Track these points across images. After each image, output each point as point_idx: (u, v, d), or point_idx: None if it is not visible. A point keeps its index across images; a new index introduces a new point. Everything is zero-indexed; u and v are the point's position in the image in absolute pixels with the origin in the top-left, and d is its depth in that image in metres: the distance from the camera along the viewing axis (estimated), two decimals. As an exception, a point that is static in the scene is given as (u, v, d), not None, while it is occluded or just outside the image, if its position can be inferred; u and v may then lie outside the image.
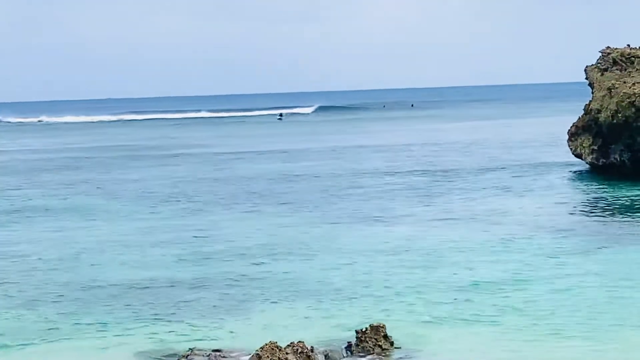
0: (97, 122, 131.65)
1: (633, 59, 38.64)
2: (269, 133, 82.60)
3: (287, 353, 13.88)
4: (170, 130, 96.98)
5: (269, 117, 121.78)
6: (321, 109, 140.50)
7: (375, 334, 14.90)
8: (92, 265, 22.33)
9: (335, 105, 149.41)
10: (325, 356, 14.53)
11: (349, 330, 15.58)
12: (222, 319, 17.08)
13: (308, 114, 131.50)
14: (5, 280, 20.88)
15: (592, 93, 38.73)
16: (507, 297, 17.87)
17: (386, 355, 14.66)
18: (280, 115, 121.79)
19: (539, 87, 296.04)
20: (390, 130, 79.18)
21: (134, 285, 19.93)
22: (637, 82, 36.46)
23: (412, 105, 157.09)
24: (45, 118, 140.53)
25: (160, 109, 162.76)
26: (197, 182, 39.85)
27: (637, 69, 38.05)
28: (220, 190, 36.53)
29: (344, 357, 14.75)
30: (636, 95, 35.77)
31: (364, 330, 14.99)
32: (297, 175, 41.14)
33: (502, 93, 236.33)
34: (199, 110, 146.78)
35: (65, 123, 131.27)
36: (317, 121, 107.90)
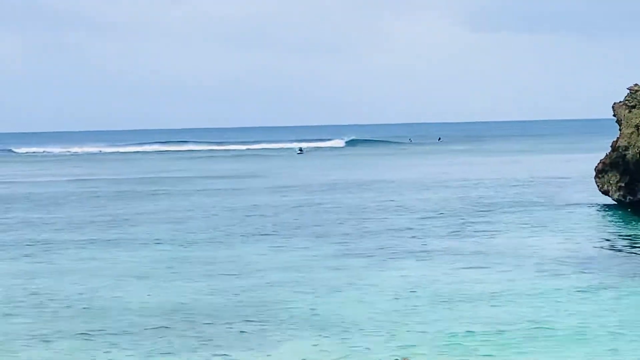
0: (128, 152, 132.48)
1: (661, 96, 38.53)
2: (294, 165, 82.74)
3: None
4: (195, 162, 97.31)
5: (292, 150, 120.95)
6: (352, 142, 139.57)
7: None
8: (117, 297, 22.37)
9: (367, 139, 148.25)
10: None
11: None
12: (248, 352, 17.08)
13: (340, 147, 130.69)
14: (28, 313, 20.96)
15: (620, 130, 38.64)
16: (533, 336, 17.80)
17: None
18: (300, 149, 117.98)
19: (566, 123, 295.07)
20: (417, 165, 79.11)
21: (160, 317, 19.96)
22: (665, 120, 36.35)
23: (440, 139, 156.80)
24: (82, 149, 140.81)
25: (185, 139, 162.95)
26: (223, 213, 39.93)
27: (665, 107, 37.93)
28: (246, 222, 36.58)
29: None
30: (664, 133, 35.67)
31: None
32: (324, 208, 41.15)
33: (530, 128, 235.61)
34: (229, 142, 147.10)
35: (103, 153, 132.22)
36: (346, 154, 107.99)
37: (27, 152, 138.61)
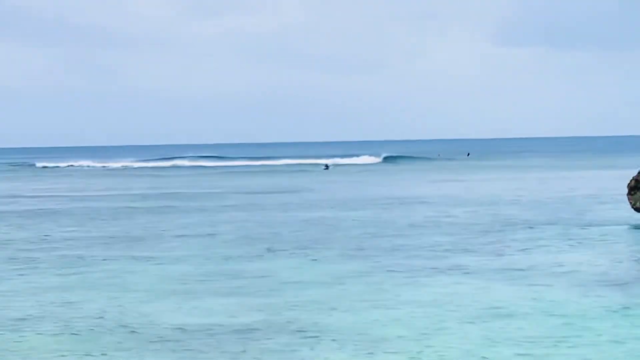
0: (156, 167, 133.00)
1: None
2: (322, 180, 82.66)
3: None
4: (224, 178, 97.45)
5: (318, 166, 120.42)
6: (388, 158, 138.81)
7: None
8: (146, 313, 22.28)
9: (398, 155, 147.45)
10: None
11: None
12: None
13: (367, 163, 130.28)
14: (57, 328, 20.93)
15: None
16: (564, 354, 17.57)
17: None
18: (326, 165, 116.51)
19: (597, 140, 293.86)
20: (447, 180, 78.86)
21: (190, 334, 19.88)
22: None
23: (468, 155, 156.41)
24: (112, 163, 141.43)
25: (213, 155, 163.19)
26: (253, 229, 39.87)
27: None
28: (276, 237, 36.50)
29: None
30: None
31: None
32: (355, 224, 41.02)
33: (560, 145, 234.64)
34: (259, 158, 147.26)
35: (132, 168, 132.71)
36: (373, 170, 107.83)
37: (58, 166, 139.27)
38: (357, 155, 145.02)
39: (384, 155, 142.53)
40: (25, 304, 23.41)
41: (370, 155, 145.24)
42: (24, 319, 21.53)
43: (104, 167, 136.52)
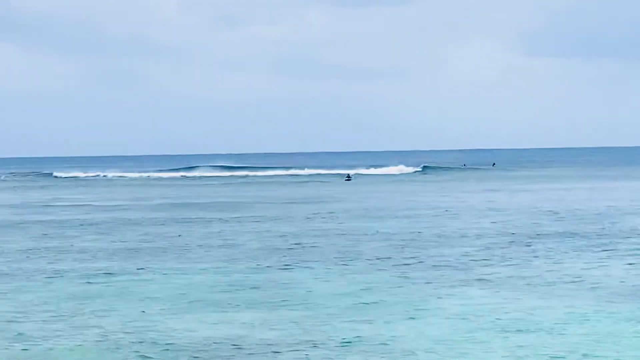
0: (174, 177, 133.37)
1: None
2: (346, 190, 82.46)
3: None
4: (247, 187, 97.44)
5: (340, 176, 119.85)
6: (423, 168, 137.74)
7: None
8: (169, 325, 22.09)
9: (430, 166, 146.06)
10: None
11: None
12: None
13: (391, 174, 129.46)
14: (85, 338, 20.77)
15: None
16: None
17: None
18: (348, 176, 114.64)
19: (624, 150, 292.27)
20: (473, 190, 78.50)
21: (216, 345, 19.67)
22: None
23: (494, 165, 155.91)
24: (133, 173, 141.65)
25: (238, 165, 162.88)
26: (278, 239, 39.66)
27: None
28: (301, 248, 36.29)
29: None
30: None
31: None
32: (381, 234, 40.77)
33: (587, 155, 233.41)
34: (299, 167, 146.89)
35: (153, 178, 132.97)
36: (397, 180, 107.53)
37: (86, 176, 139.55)
38: (381, 166, 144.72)
39: (413, 166, 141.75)
40: (50, 314, 23.27)
41: (397, 164, 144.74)
42: (48, 330, 21.40)
43: (126, 177, 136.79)
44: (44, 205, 68.47)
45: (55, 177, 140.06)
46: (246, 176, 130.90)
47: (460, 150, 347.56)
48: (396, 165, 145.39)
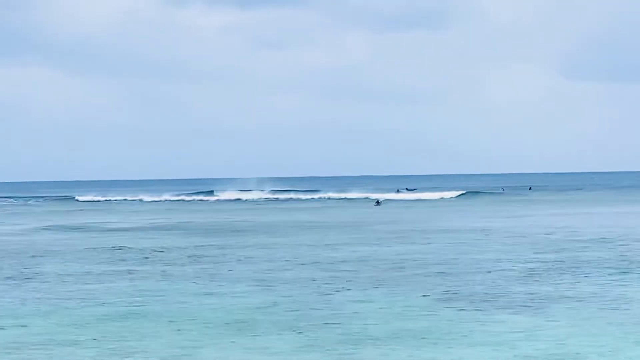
0: (205, 200, 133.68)
1: None
2: (381, 214, 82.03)
3: None
4: (295, 211, 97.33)
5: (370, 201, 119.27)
6: (469, 193, 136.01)
7: None
8: (207, 351, 21.73)
9: (471, 191, 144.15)
10: None
11: None
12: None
13: (438, 199, 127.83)
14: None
15: None
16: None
17: None
18: (378, 201, 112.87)
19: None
20: (514, 215, 77.88)
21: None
22: None
23: (530, 189, 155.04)
24: (167, 197, 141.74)
25: (293, 189, 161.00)
26: (318, 263, 39.28)
27: None
28: (339, 270, 35.87)
29: None
30: None
31: None
32: (422, 258, 40.30)
33: (630, 180, 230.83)
34: (334, 190, 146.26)
35: (180, 201, 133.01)
36: (434, 206, 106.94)
37: (125, 199, 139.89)
38: (414, 190, 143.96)
39: (454, 190, 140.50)
40: (85, 337, 23.02)
41: (434, 190, 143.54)
42: (84, 352, 21.14)
43: (158, 200, 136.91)
44: (94, 230, 68.69)
45: (105, 201, 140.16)
46: (290, 199, 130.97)
47: (497, 175, 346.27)
48: (434, 190, 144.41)
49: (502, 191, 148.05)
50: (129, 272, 37.47)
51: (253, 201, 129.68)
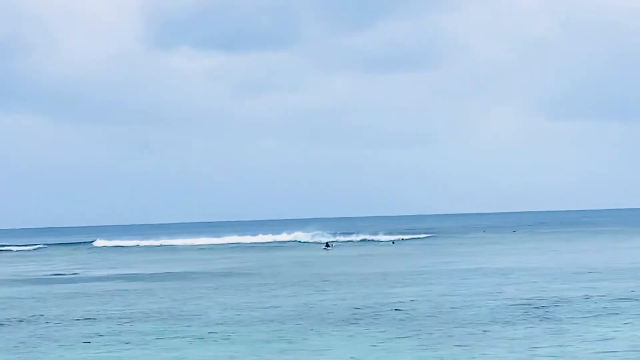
0: (200, 245, 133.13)
1: None
2: (395, 254, 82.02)
3: None
4: (281, 251, 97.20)
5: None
6: (431, 236, 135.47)
7: None
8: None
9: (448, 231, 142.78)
10: None
11: None
12: None
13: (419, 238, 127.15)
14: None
15: None
16: None
17: None
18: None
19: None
20: (495, 254, 78.17)
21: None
22: None
23: (514, 231, 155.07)
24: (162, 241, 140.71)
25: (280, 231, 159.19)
26: (303, 304, 39.56)
27: None
28: (325, 312, 36.21)
29: None
30: None
31: None
32: (404, 299, 40.66)
33: (619, 216, 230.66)
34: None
35: (184, 246, 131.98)
36: (417, 245, 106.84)
37: (123, 245, 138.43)
38: (407, 232, 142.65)
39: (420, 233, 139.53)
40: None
41: (411, 233, 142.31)
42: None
43: (152, 245, 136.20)
44: (106, 276, 68.61)
45: (116, 247, 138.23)
46: (274, 242, 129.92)
47: (479, 214, 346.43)
48: (411, 232, 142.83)
49: (483, 233, 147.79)
50: (119, 316, 37.68)
51: (238, 245, 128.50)
